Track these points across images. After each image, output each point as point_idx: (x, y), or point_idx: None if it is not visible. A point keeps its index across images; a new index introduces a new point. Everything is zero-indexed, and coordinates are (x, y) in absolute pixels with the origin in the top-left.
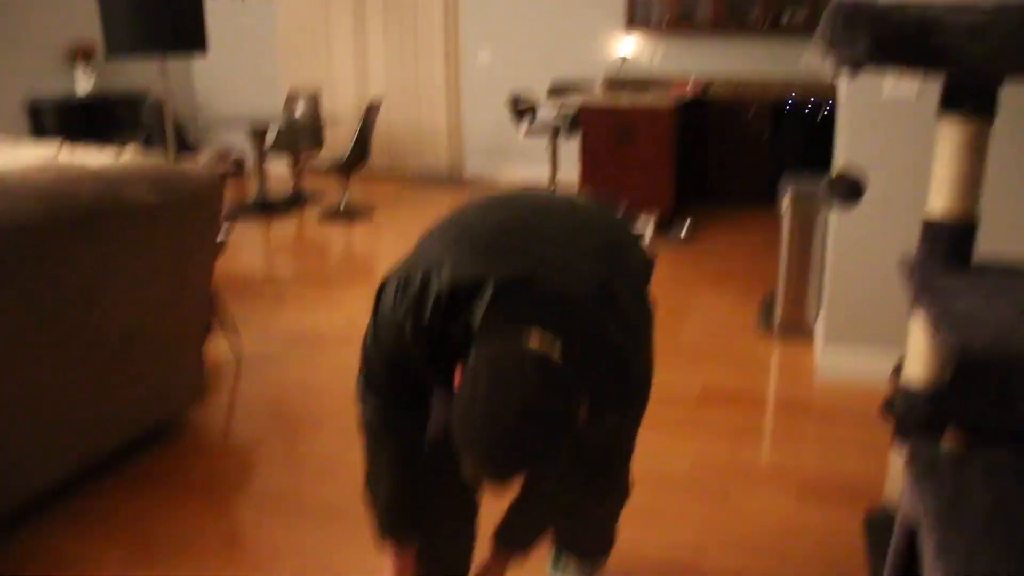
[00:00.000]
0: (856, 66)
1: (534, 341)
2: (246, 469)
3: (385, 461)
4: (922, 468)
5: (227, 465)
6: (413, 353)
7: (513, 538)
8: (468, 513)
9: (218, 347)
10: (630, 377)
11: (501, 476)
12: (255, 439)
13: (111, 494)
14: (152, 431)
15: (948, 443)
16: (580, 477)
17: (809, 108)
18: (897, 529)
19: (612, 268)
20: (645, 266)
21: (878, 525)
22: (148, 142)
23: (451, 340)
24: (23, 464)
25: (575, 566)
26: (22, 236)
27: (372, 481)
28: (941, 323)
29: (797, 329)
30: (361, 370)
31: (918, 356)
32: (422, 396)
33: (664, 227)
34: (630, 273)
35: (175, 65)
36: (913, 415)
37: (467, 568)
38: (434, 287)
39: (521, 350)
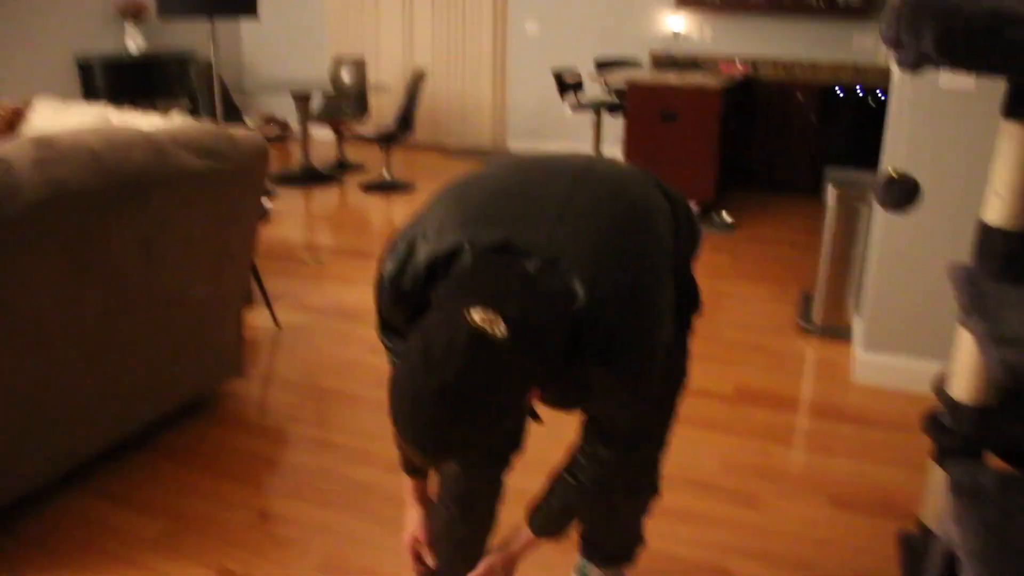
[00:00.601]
0: (920, 62)
1: (476, 315)
2: (280, 446)
3: None
4: (964, 492)
5: (262, 441)
6: (398, 316)
7: (541, 523)
8: (492, 478)
9: (256, 319)
10: (625, 365)
11: (426, 457)
12: (290, 415)
13: (146, 467)
14: (189, 404)
15: (991, 466)
16: (611, 464)
17: (860, 95)
18: (935, 555)
19: (620, 236)
20: (683, 237)
21: (914, 545)
22: (194, 104)
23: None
24: (64, 432)
25: (598, 574)
26: (73, 201)
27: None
28: (991, 339)
29: (836, 329)
30: (379, 322)
31: (965, 371)
32: None
33: (706, 212)
34: (650, 243)
35: (223, 27)
36: (957, 434)
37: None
38: (416, 254)
39: (455, 324)
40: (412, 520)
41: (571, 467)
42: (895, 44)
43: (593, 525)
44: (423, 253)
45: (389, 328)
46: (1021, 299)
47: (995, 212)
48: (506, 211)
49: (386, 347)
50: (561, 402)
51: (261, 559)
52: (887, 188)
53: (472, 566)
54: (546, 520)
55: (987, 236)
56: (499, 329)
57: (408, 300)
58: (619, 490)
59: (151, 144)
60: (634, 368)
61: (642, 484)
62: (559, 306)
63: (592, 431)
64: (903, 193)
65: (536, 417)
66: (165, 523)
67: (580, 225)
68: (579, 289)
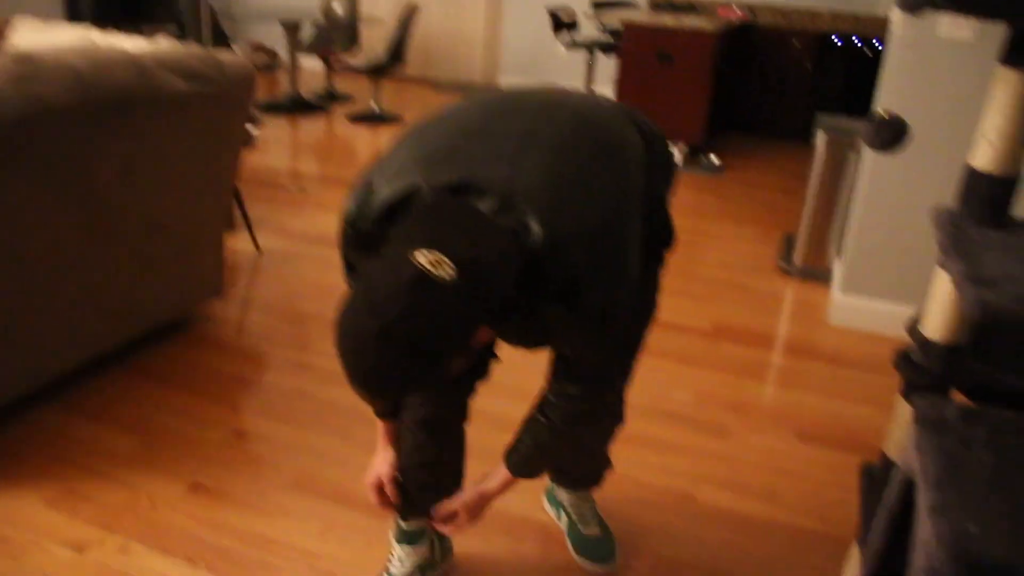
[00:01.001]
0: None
1: (421, 257)
2: (255, 369)
3: None
4: (927, 424)
5: (239, 362)
6: (359, 258)
7: (516, 463)
8: (456, 411)
9: (237, 243)
10: (588, 306)
11: (372, 397)
12: (268, 338)
13: (122, 384)
14: (169, 324)
15: (957, 402)
16: (579, 400)
17: (857, 44)
18: (894, 483)
19: (583, 172)
20: (657, 173)
21: (875, 475)
22: (182, 30)
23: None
24: (41, 347)
25: (567, 497)
26: (53, 119)
27: None
28: (969, 280)
29: (816, 272)
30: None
31: (939, 310)
32: None
33: (694, 153)
34: (615, 180)
35: None
36: (926, 370)
37: (456, 474)
38: (374, 195)
39: (399, 267)
40: (381, 461)
41: (542, 406)
42: None
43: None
44: (381, 195)
45: (352, 270)
46: (1001, 243)
47: (983, 157)
48: (464, 150)
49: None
50: (523, 342)
51: (234, 475)
52: (876, 128)
53: (444, 494)
54: (522, 460)
55: (973, 180)
56: (445, 271)
57: (368, 241)
58: (586, 422)
59: (135, 64)
60: (597, 309)
61: (607, 413)
62: (511, 246)
63: (560, 369)
64: (891, 133)
65: (493, 356)
66: (139, 439)
67: (541, 161)
68: (535, 228)
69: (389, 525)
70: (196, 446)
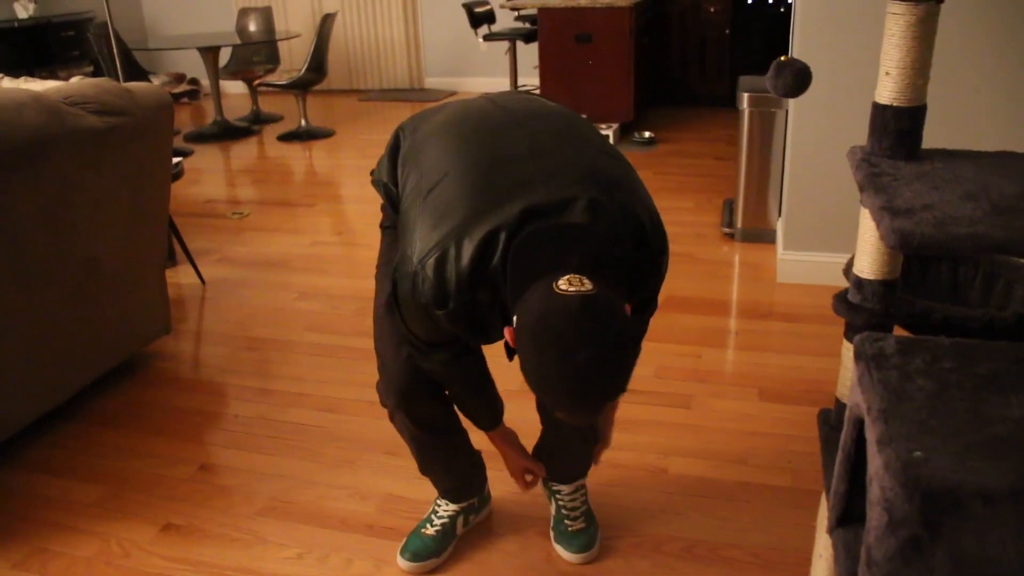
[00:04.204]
0: None
1: (564, 284)
2: (218, 398)
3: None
4: (868, 360)
5: (197, 396)
6: (449, 330)
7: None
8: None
9: (181, 276)
10: (652, 249)
11: (595, 416)
12: (223, 368)
13: (83, 432)
14: (120, 366)
15: (894, 335)
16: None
17: (769, 2)
18: (845, 423)
19: (588, 154)
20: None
21: (831, 420)
22: (97, 69)
23: (481, 307)
24: None
25: (563, 488)
26: None
27: (461, 398)
28: (886, 211)
29: (759, 233)
30: (409, 344)
31: (868, 248)
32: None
33: (625, 131)
34: (599, 146)
35: None
36: (862, 308)
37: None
38: (447, 273)
39: (558, 303)
40: (513, 455)
41: None
42: None
43: (563, 452)
44: (462, 260)
45: (430, 347)
46: (913, 173)
47: (885, 91)
48: (496, 185)
49: (426, 361)
50: None
51: (205, 510)
52: (777, 73)
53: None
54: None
55: (880, 115)
56: (587, 283)
57: (460, 311)
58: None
59: (44, 105)
60: (666, 258)
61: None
62: (623, 230)
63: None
64: (793, 77)
65: None
66: (105, 488)
67: (563, 159)
68: (634, 210)
69: (366, 541)
70: (163, 486)
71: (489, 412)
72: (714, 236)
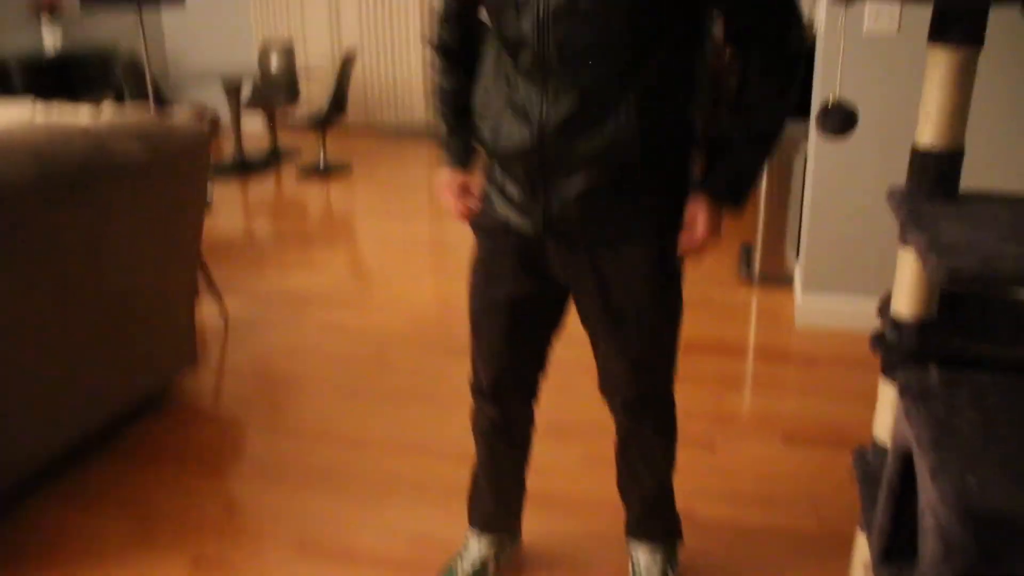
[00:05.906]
0: None
1: None
2: (239, 436)
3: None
4: (914, 395)
5: (221, 433)
6: None
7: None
8: None
9: (204, 311)
10: None
11: None
12: (246, 405)
13: (109, 467)
14: (146, 399)
15: (936, 371)
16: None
17: None
18: (891, 456)
19: None
20: None
21: (867, 458)
22: (120, 101)
23: None
24: (24, 437)
25: (641, 551)
26: (15, 196)
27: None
28: (932, 248)
29: (777, 277)
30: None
31: (905, 290)
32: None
33: None
34: None
35: (145, 19)
36: (902, 346)
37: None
38: None
39: None
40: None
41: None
42: None
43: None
44: None
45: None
46: (954, 213)
47: (927, 135)
48: None
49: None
50: None
51: (234, 545)
52: (826, 115)
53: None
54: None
55: (920, 158)
56: None
57: None
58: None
59: (90, 135)
60: None
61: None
62: None
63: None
64: (841, 118)
65: None
66: (135, 521)
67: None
68: None
69: None
70: (193, 520)
71: (458, 146)
72: (731, 280)
